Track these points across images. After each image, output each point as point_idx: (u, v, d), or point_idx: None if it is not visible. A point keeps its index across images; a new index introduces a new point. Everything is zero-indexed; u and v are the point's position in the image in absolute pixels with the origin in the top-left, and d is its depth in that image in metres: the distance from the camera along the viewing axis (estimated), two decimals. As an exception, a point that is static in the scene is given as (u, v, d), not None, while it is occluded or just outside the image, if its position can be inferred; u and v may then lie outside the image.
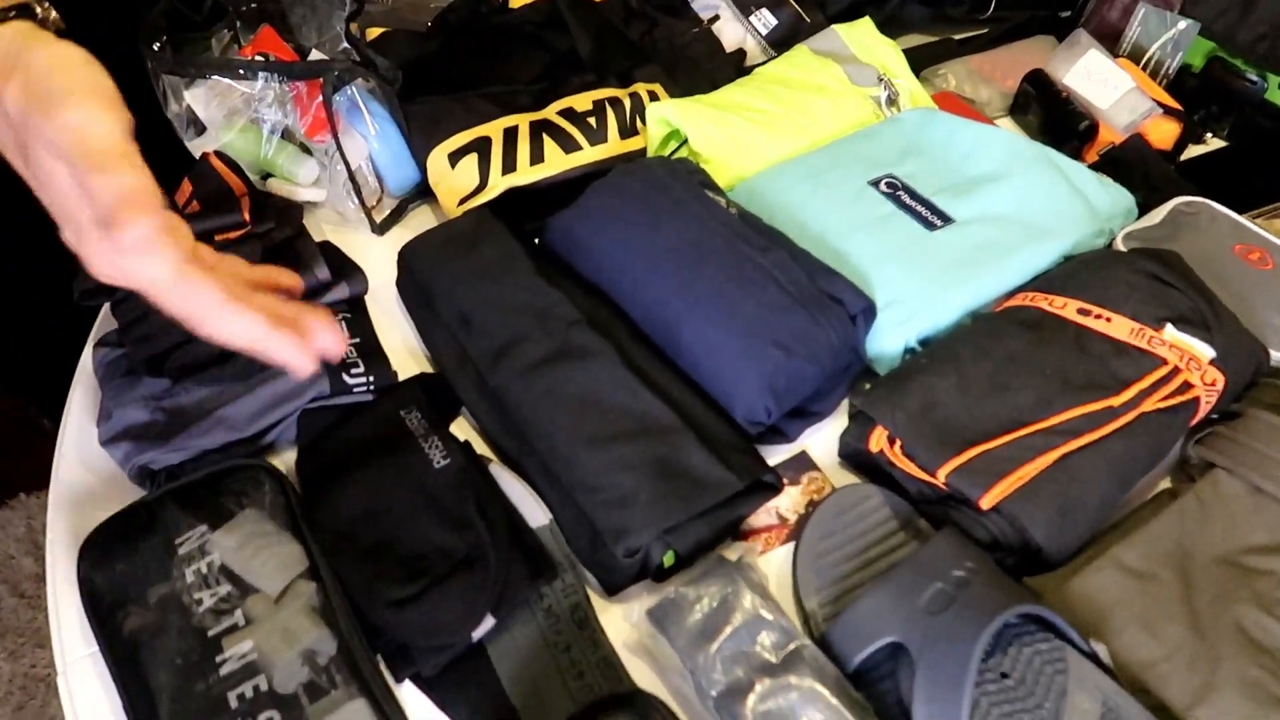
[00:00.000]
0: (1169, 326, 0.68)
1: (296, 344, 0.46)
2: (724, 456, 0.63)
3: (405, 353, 0.77)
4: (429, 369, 0.76)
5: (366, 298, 0.78)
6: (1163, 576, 0.60)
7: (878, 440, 0.66)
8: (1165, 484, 0.70)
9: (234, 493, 0.63)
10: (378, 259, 0.84)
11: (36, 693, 1.46)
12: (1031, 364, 0.67)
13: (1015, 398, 0.65)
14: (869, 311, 0.71)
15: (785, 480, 0.69)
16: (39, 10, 0.47)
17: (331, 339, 0.47)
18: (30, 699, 1.45)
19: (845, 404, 0.74)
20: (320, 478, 0.66)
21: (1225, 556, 0.61)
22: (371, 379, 0.70)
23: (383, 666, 0.58)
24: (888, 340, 0.72)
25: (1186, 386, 0.66)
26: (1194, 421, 0.67)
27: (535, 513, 0.64)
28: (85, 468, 0.69)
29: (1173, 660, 0.56)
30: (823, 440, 0.72)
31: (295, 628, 0.56)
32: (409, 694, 0.58)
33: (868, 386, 0.68)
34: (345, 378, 0.70)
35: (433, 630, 0.57)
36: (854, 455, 0.70)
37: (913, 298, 0.73)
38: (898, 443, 0.66)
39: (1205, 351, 0.67)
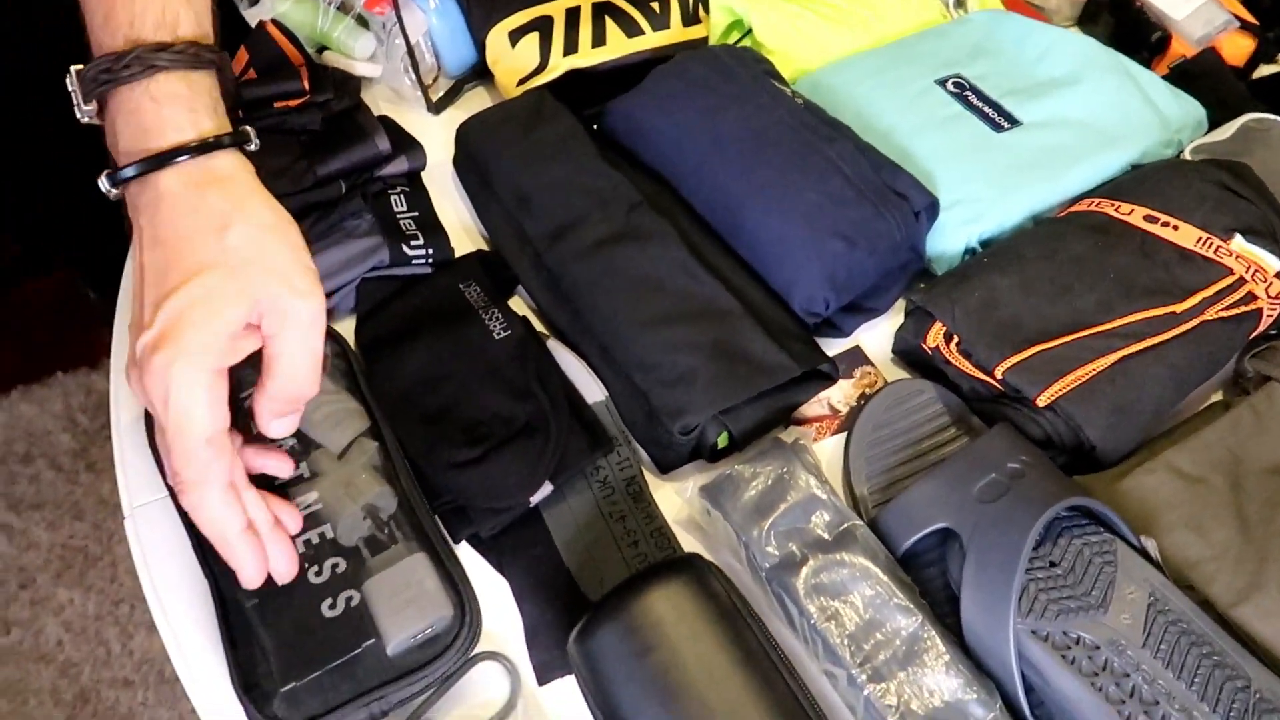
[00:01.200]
0: (1237, 236, 0.67)
1: (257, 558, 0.47)
2: (782, 343, 0.63)
3: (461, 232, 0.77)
4: (485, 248, 0.76)
5: (421, 176, 0.78)
6: (1213, 481, 0.60)
7: (934, 336, 0.66)
8: (1217, 397, 0.70)
9: (296, 354, 0.64)
10: (433, 139, 0.83)
11: (74, 561, 1.50)
12: (1095, 267, 0.66)
13: (1077, 300, 0.64)
14: (933, 209, 0.70)
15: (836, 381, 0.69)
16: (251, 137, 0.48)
17: (285, 561, 0.49)
18: (68, 567, 1.50)
19: (899, 304, 0.73)
20: (379, 346, 0.66)
21: (1278, 467, 0.61)
22: (430, 251, 0.71)
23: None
24: (949, 240, 0.71)
25: (1251, 298, 0.65)
26: (1254, 334, 0.67)
27: (591, 389, 0.65)
28: (147, 325, 0.70)
29: (1219, 560, 0.57)
30: (876, 337, 0.72)
31: (358, 483, 0.58)
32: (465, 555, 0.59)
33: (922, 286, 0.68)
34: (405, 249, 0.70)
35: (493, 492, 0.58)
36: (908, 352, 0.70)
37: (977, 198, 0.72)
38: (955, 340, 0.66)
39: (1273, 263, 0.66)
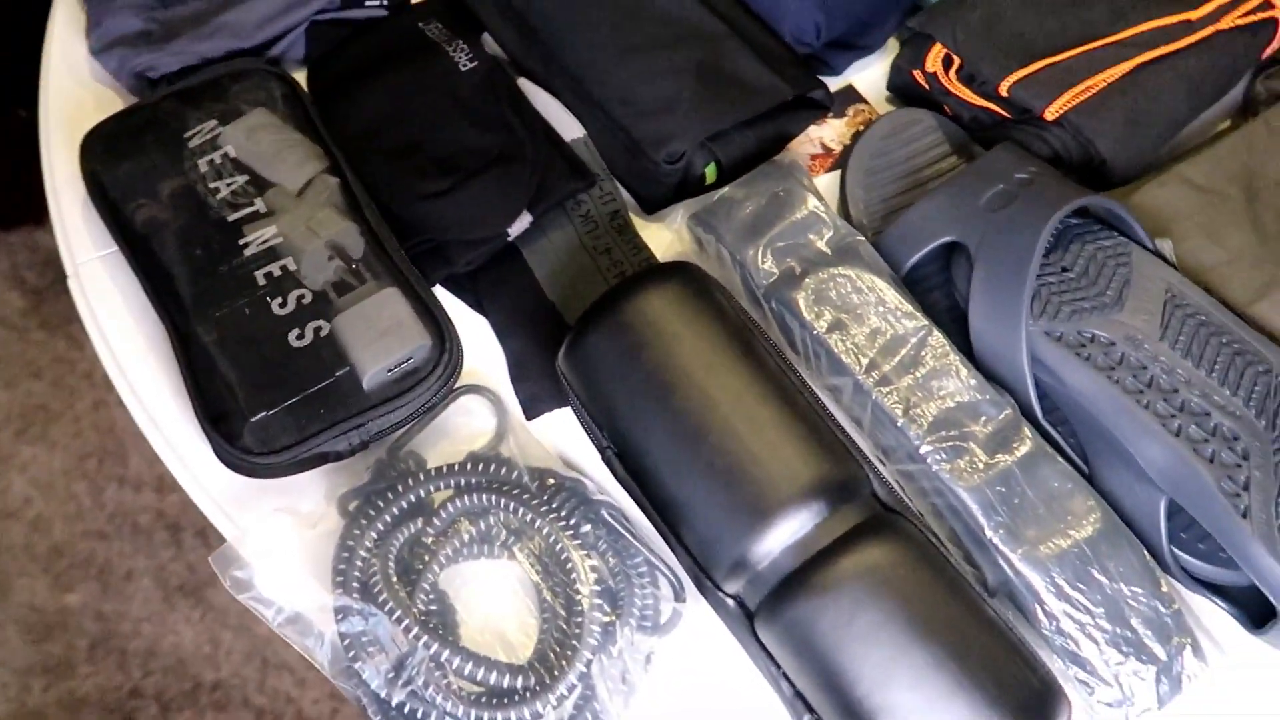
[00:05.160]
0: (1255, -57, 0.62)
1: None
2: (774, 66, 0.59)
3: (416, -16, 0.71)
4: (442, -1, 0.69)
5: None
6: (1228, 192, 0.57)
7: (933, 61, 0.62)
8: (1226, 125, 0.66)
9: (242, 98, 0.58)
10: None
11: (35, 419, 1.45)
12: (1105, -22, 0.62)
13: (1087, 11, 0.60)
14: (929, -71, 0.65)
15: (830, 112, 0.65)
16: None
17: None
18: (30, 425, 1.45)
19: (891, 43, 0.69)
20: (335, 89, 0.61)
21: (1293, 178, 0.58)
22: (385, -8, 0.64)
23: (413, 267, 0.55)
24: (946, -34, 0.66)
25: (1267, 5, 0.61)
26: (1267, 52, 0.63)
27: (568, 126, 0.60)
28: (77, 83, 0.64)
29: (1236, 263, 0.54)
30: (868, 77, 0.68)
31: (320, 218, 0.53)
32: (442, 300, 0.55)
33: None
34: (356, -12, 0.64)
35: (468, 222, 0.54)
36: (904, 88, 0.66)
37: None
38: (954, 66, 0.61)
39: (1291, -31, 0.62)
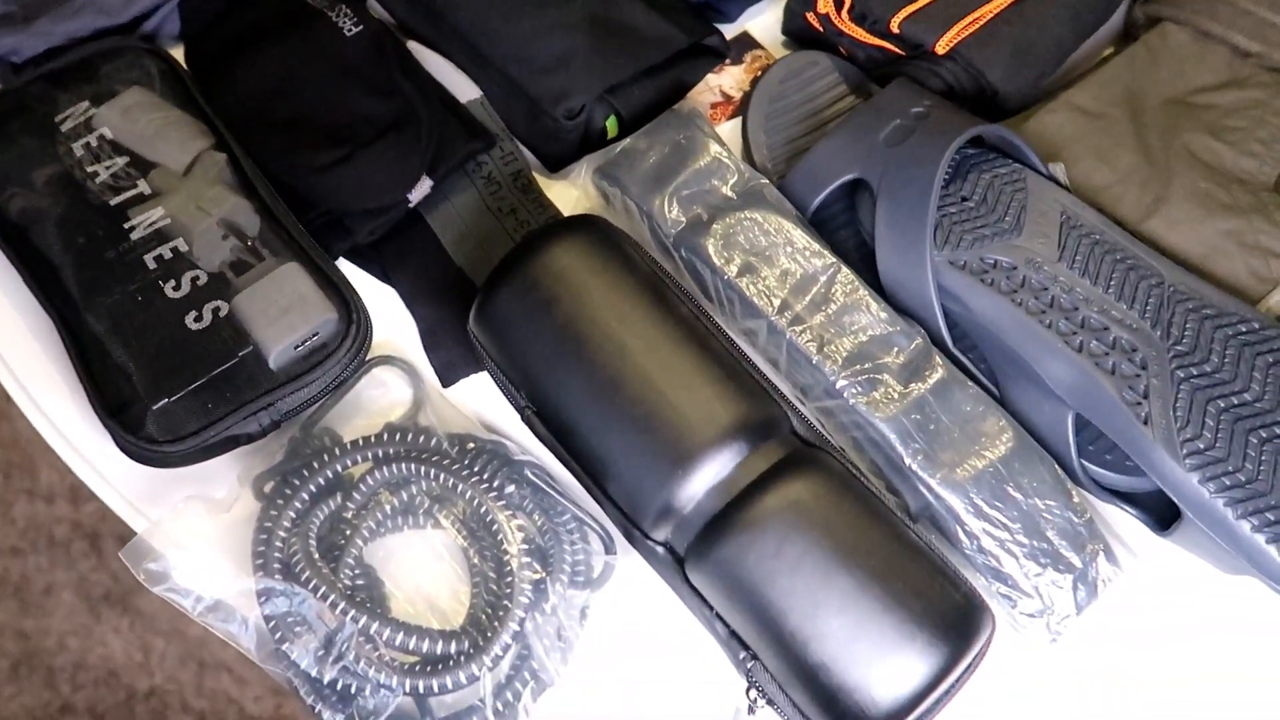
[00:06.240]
0: None
1: None
2: (666, 15, 0.58)
3: (295, -49, 0.68)
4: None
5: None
6: (1114, 115, 0.59)
7: (825, 2, 0.62)
8: (1109, 53, 0.68)
9: (115, 77, 0.56)
10: None
11: (-68, 437, 1.38)
12: (985, -87, 0.62)
13: (970, -56, 0.61)
14: None
15: (728, 60, 0.65)
16: None
17: None
18: (-74, 444, 1.38)
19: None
20: (216, 64, 0.58)
21: (1173, 98, 0.60)
22: (260, -39, 0.62)
23: (313, 241, 0.54)
24: (831, -94, 0.66)
25: (1139, -72, 0.63)
26: (1144, -24, 0.65)
27: (463, 88, 0.58)
28: (-67, 71, 0.60)
29: (1125, 183, 0.56)
30: (763, 22, 0.67)
31: (209, 196, 0.51)
32: (347, 274, 0.54)
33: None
34: (229, -43, 0.61)
35: (366, 191, 0.52)
36: (799, 32, 0.66)
37: None
38: (846, 6, 0.62)
39: (1161, -106, 0.63)
